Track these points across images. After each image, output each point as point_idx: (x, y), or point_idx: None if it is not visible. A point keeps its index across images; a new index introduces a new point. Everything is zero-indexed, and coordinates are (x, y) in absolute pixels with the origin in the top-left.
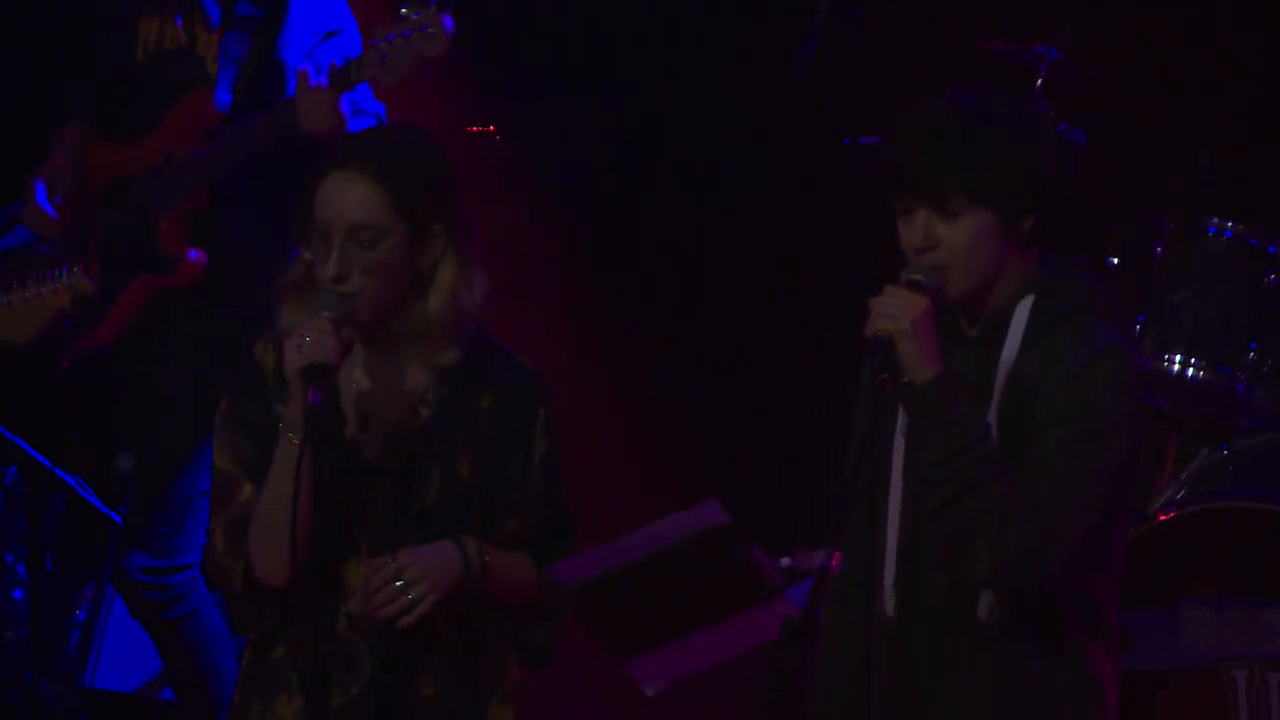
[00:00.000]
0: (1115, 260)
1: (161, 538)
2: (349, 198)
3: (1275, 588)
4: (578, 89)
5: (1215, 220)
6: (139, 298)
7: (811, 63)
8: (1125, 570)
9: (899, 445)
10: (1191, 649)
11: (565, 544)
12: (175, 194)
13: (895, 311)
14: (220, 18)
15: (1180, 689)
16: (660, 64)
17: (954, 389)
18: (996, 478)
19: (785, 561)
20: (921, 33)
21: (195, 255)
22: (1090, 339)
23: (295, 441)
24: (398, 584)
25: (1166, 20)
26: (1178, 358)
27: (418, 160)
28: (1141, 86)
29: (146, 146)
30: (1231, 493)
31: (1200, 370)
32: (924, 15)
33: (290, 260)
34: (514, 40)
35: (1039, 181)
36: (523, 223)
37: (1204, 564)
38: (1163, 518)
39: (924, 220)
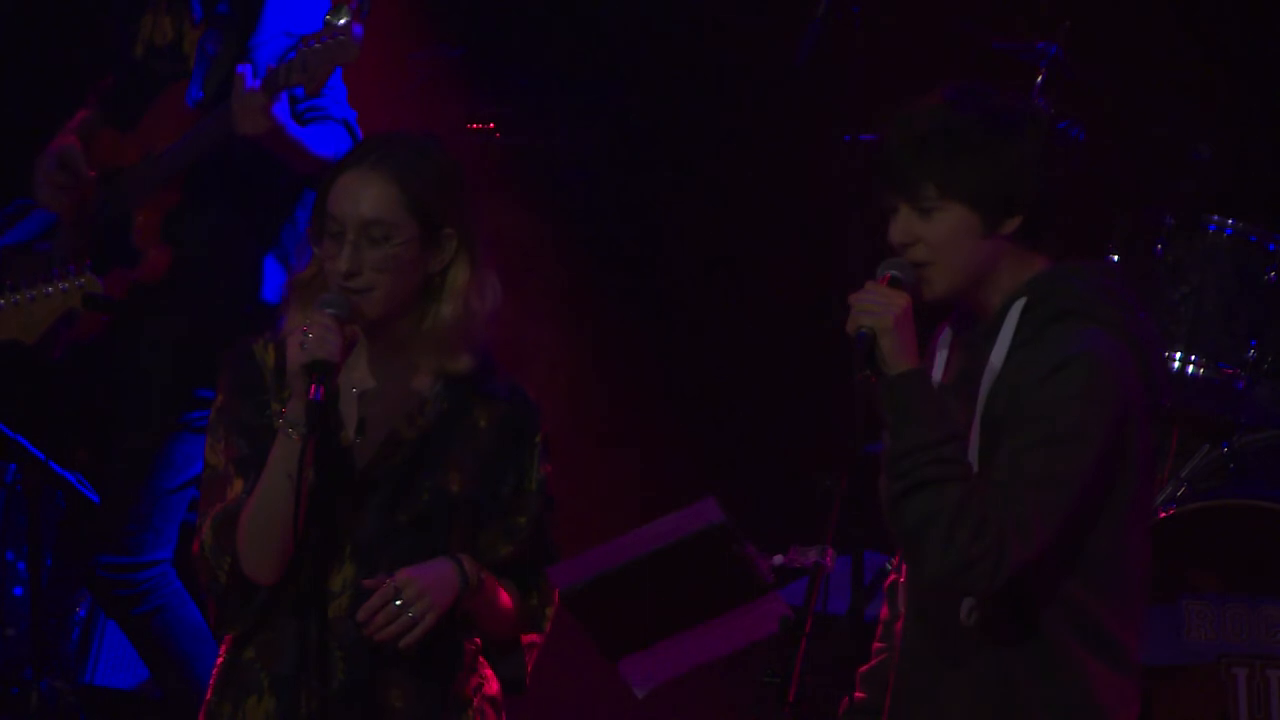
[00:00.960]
0: (1115, 257)
1: (129, 535)
2: (363, 194)
3: (1275, 585)
4: (577, 86)
5: (1216, 217)
6: (116, 291)
7: (811, 59)
8: (1142, 587)
9: None
10: (1192, 646)
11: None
12: (147, 189)
13: (877, 308)
14: (202, 14)
15: (1181, 686)
16: (660, 61)
17: (929, 386)
18: (955, 480)
19: (778, 559)
20: (922, 29)
21: (160, 251)
22: (1067, 345)
23: (295, 438)
24: (397, 603)
25: (1166, 18)
26: (1178, 354)
27: (432, 162)
28: (1141, 84)
29: (134, 140)
30: (1231, 490)
31: (1200, 367)
32: (924, 11)
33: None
34: (514, 38)
35: (1018, 180)
36: (522, 219)
37: (1204, 561)
38: (1163, 515)
39: (904, 216)
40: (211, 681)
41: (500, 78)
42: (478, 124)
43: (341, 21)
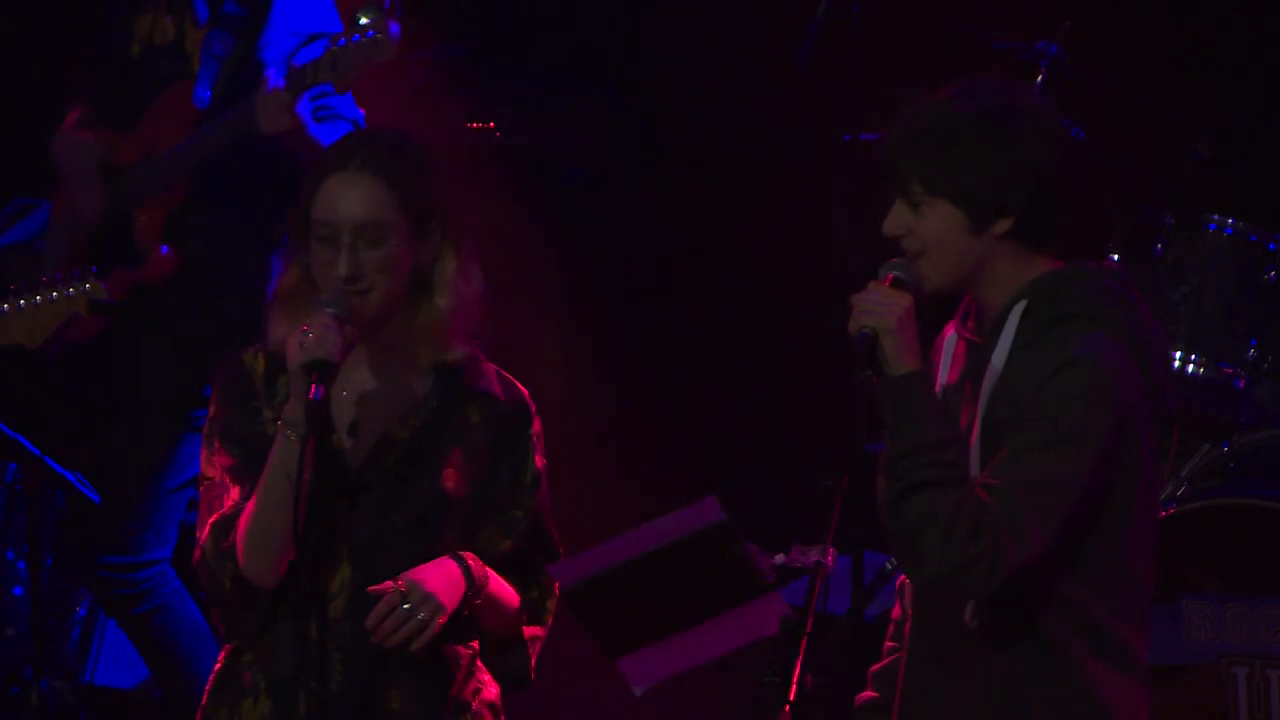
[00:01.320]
0: (1116, 256)
1: (129, 534)
2: (354, 196)
3: (1275, 585)
4: (577, 86)
5: (1216, 216)
6: (117, 291)
7: (811, 59)
8: (1146, 588)
9: None
10: (1192, 646)
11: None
12: (150, 189)
13: (879, 308)
14: (207, 15)
15: (1181, 686)
16: (660, 61)
17: (930, 388)
18: (954, 482)
19: (779, 558)
20: (922, 29)
21: (166, 251)
22: (1069, 348)
23: (294, 439)
24: (405, 607)
25: (1166, 18)
26: (1178, 354)
27: (413, 157)
28: (1141, 84)
29: (132, 140)
30: (1231, 489)
31: (1200, 367)
32: (924, 11)
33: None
34: (514, 38)
35: (1007, 182)
36: (522, 219)
37: (1204, 560)
38: (1163, 515)
39: (897, 209)
40: (207, 686)
41: (500, 78)
42: (478, 124)
43: (373, 19)
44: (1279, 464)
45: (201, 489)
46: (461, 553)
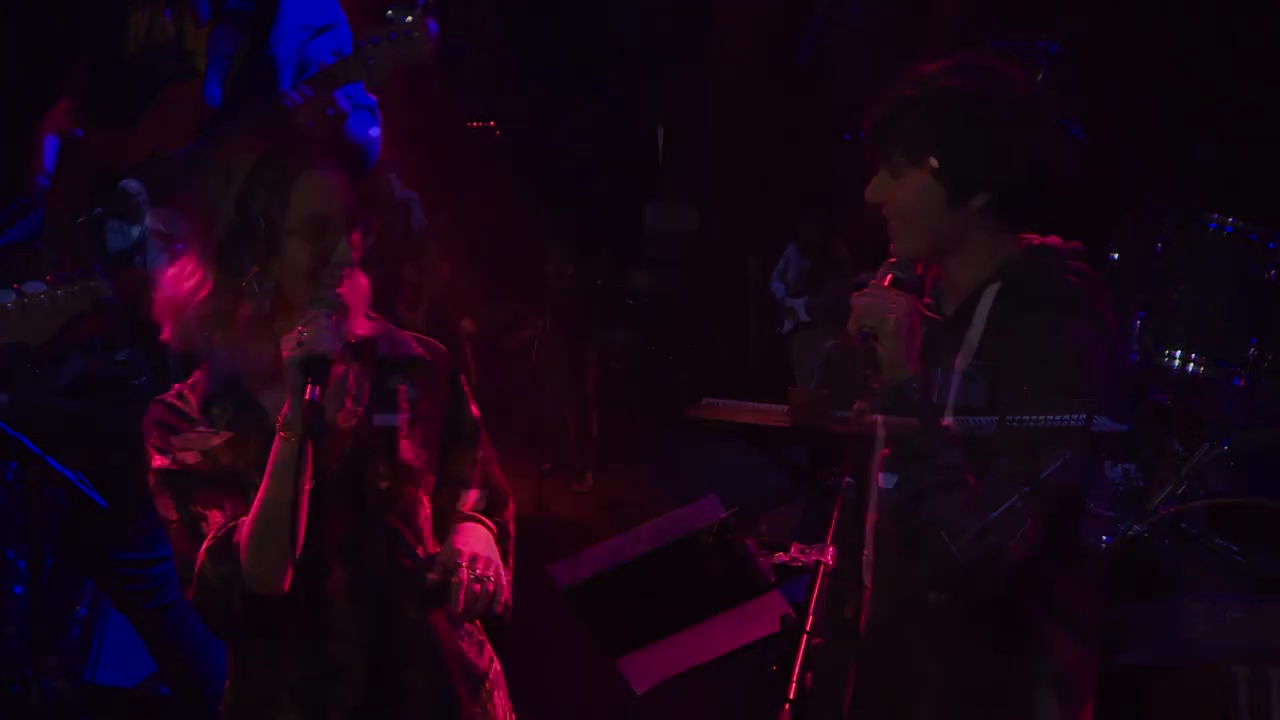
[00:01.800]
0: (1116, 255)
1: (141, 530)
2: (335, 187)
3: (1275, 584)
4: (577, 86)
5: (1216, 216)
6: (125, 291)
7: (811, 57)
8: (1100, 564)
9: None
10: (1192, 645)
11: (505, 509)
12: (163, 189)
13: (880, 309)
14: (209, 12)
15: (1181, 685)
16: (660, 61)
17: (930, 391)
18: (957, 485)
19: (779, 557)
20: (922, 28)
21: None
22: (1044, 337)
23: (293, 441)
24: (475, 576)
25: (1167, 15)
26: (1178, 353)
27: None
28: (1141, 82)
29: (133, 139)
30: (1232, 489)
31: (1200, 365)
32: (924, 11)
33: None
34: (514, 37)
35: (985, 158)
36: (522, 217)
37: (1204, 561)
38: (1163, 513)
39: (880, 177)
40: (221, 709)
41: (500, 77)
42: (478, 124)
43: (409, 19)
44: (1279, 464)
45: (171, 533)
46: (473, 514)
